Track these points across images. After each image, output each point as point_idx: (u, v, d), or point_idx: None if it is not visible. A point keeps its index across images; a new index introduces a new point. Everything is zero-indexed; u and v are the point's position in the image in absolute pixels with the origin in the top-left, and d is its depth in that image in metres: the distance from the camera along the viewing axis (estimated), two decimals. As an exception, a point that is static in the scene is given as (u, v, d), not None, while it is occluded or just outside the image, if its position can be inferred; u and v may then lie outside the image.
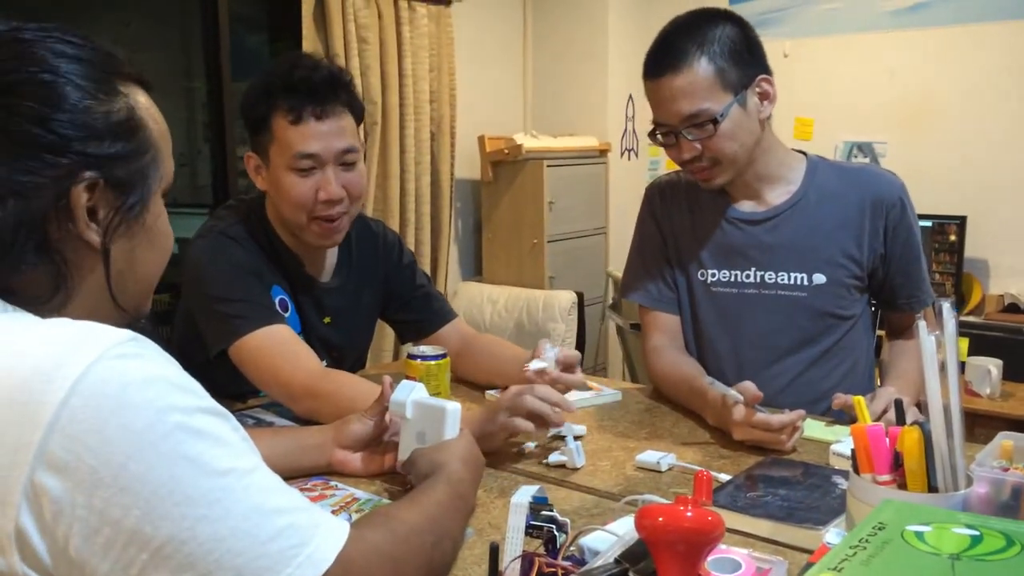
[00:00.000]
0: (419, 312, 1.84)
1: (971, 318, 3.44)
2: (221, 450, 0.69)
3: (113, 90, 0.80)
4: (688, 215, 1.74)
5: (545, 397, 1.33)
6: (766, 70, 1.59)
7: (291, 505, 0.72)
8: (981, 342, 3.22)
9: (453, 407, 1.15)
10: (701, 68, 1.52)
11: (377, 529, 0.80)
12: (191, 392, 0.71)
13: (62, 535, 0.64)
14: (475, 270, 4.17)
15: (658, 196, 1.80)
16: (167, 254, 0.89)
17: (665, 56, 1.55)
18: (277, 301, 1.63)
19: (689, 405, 1.59)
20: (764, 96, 1.59)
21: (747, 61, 1.56)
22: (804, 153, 1.72)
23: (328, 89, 1.54)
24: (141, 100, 0.83)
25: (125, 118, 0.80)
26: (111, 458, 0.64)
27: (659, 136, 1.61)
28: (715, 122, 1.53)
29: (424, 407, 1.19)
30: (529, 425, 1.31)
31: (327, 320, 1.73)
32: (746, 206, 1.69)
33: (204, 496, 0.67)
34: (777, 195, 1.67)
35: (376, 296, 1.83)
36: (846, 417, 1.49)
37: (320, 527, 0.72)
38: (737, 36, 1.56)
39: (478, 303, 3.87)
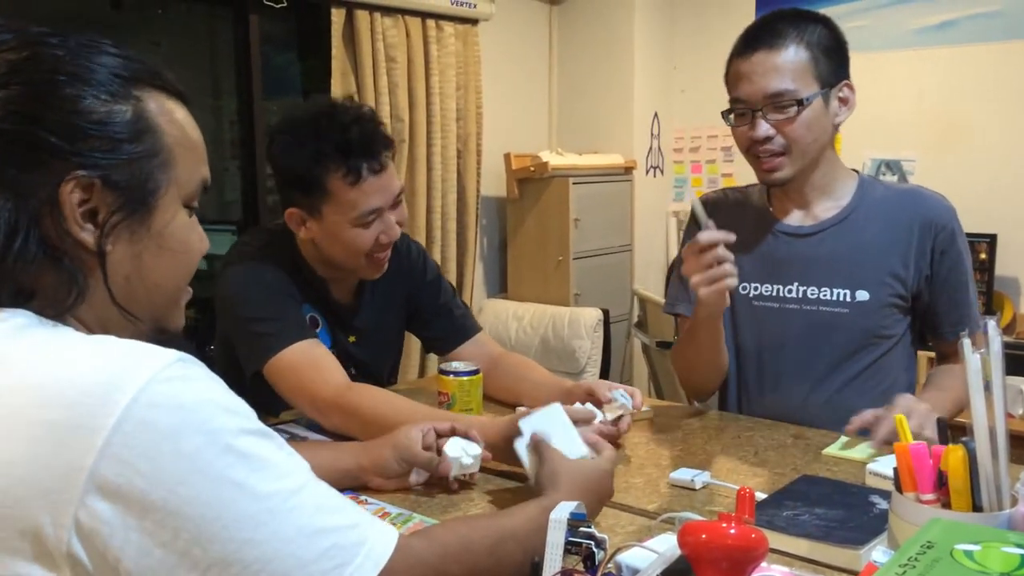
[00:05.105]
0: (440, 330, 1.86)
1: (1003, 337, 3.38)
2: (267, 472, 0.71)
3: (122, 93, 0.78)
4: (734, 231, 1.74)
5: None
6: (850, 77, 1.62)
7: (336, 524, 0.73)
8: (1013, 361, 3.11)
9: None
10: (797, 51, 1.55)
11: (425, 539, 0.81)
12: (238, 414, 0.72)
13: (112, 557, 0.66)
14: (500, 287, 4.17)
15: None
16: (187, 265, 0.87)
17: (763, 34, 1.57)
18: (308, 318, 1.65)
19: (693, 330, 1.63)
20: (844, 102, 1.62)
21: (837, 62, 1.60)
22: (857, 171, 1.72)
23: (377, 142, 1.56)
24: (154, 106, 0.81)
25: (130, 120, 0.78)
26: (161, 482, 0.66)
27: (732, 117, 1.62)
28: (800, 103, 1.54)
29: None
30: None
31: (352, 339, 1.75)
32: (794, 218, 1.69)
33: (251, 519, 0.68)
34: (826, 209, 1.67)
35: (400, 313, 1.85)
36: (870, 433, 1.47)
37: (365, 544, 0.73)
38: (832, 37, 1.60)
39: (503, 320, 3.87)
